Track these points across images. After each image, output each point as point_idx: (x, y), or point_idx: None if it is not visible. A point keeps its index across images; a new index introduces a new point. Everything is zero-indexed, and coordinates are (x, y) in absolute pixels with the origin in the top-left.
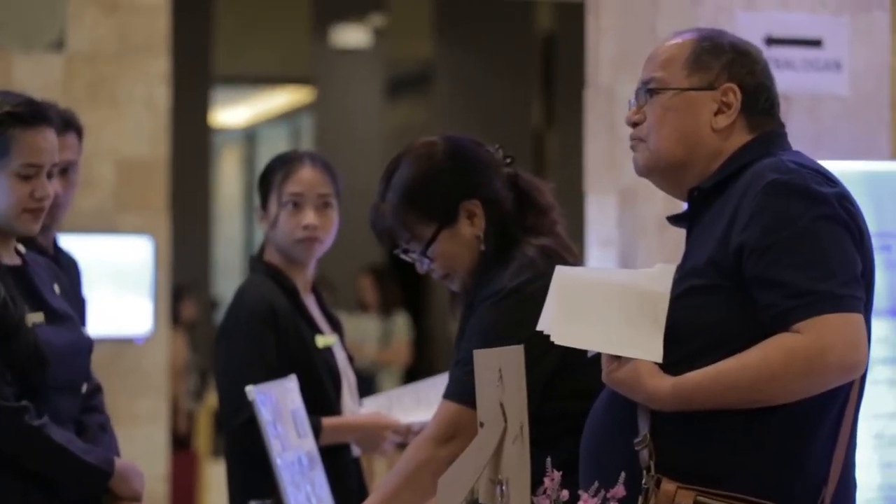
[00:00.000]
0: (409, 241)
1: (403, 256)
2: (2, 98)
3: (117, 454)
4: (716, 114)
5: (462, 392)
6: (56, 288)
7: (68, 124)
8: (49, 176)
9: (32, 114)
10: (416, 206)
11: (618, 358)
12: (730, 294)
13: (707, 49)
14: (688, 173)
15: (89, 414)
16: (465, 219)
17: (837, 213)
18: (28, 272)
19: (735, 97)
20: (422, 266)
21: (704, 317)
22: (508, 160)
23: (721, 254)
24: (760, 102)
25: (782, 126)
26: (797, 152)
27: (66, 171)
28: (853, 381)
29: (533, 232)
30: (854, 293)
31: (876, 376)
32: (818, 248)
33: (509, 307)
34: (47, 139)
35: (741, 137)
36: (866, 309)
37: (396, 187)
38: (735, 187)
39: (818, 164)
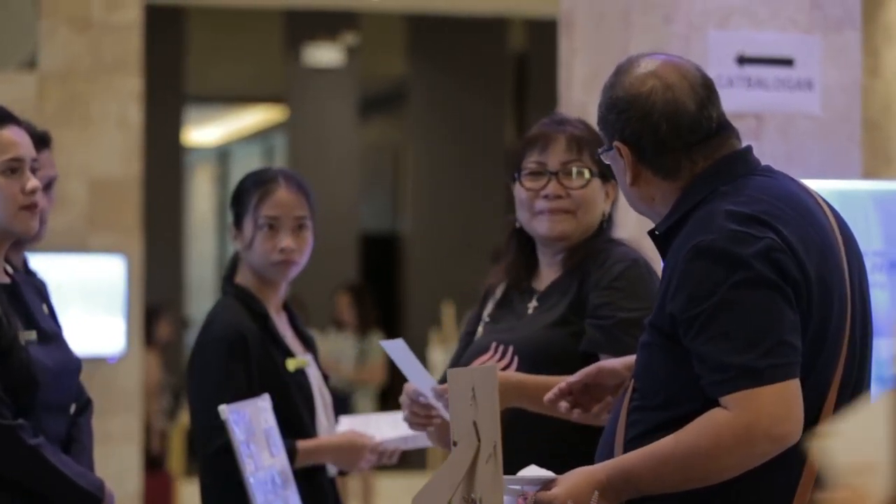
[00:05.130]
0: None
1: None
2: None
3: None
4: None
5: None
6: (44, 308)
7: (43, 141)
8: (32, 171)
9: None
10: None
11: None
12: (676, 352)
13: (601, 115)
14: (655, 219)
15: (75, 427)
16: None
17: (759, 275)
18: (20, 290)
19: (623, 154)
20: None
21: (661, 373)
22: None
23: (660, 318)
24: (647, 151)
25: (715, 150)
26: (745, 182)
27: (48, 186)
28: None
29: None
30: (777, 361)
31: None
32: (735, 319)
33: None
34: (19, 134)
35: (662, 182)
36: (820, 357)
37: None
38: (682, 234)
39: (758, 202)
